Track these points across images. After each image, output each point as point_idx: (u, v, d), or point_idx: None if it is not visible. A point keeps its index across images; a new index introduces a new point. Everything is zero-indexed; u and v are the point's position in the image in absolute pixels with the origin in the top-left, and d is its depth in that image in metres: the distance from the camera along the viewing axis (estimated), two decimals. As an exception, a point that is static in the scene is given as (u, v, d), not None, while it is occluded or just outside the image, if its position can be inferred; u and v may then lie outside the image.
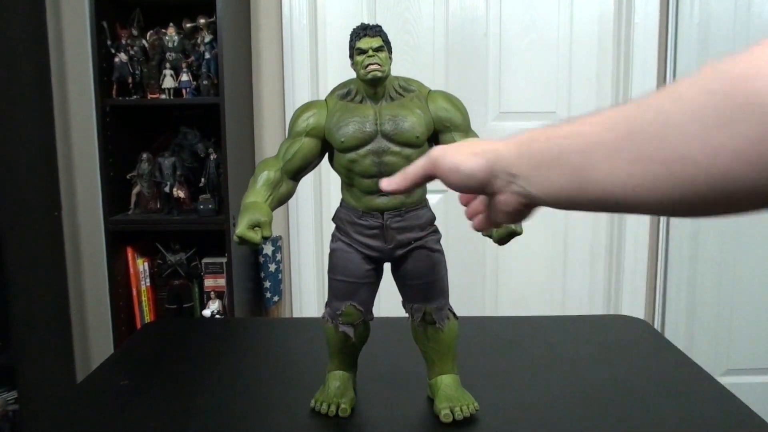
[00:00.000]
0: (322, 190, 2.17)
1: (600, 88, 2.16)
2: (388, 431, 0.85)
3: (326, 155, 0.85)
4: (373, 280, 0.86)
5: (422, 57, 2.11)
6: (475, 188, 0.58)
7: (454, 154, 0.59)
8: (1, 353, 1.91)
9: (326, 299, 0.89)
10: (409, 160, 0.78)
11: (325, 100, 0.84)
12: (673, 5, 2.06)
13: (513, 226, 0.78)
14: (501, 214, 0.58)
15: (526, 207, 0.56)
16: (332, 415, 0.85)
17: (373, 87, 0.80)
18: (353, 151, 0.80)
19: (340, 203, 0.86)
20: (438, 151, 0.61)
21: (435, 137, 0.83)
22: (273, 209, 0.79)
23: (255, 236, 0.74)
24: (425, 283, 0.84)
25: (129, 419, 0.87)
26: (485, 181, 0.56)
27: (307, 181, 2.13)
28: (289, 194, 0.84)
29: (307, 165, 0.83)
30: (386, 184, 0.67)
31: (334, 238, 0.86)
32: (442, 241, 0.87)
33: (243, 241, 0.74)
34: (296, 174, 0.83)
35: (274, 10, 2.10)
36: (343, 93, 0.82)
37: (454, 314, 0.88)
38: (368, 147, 0.79)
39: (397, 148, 0.79)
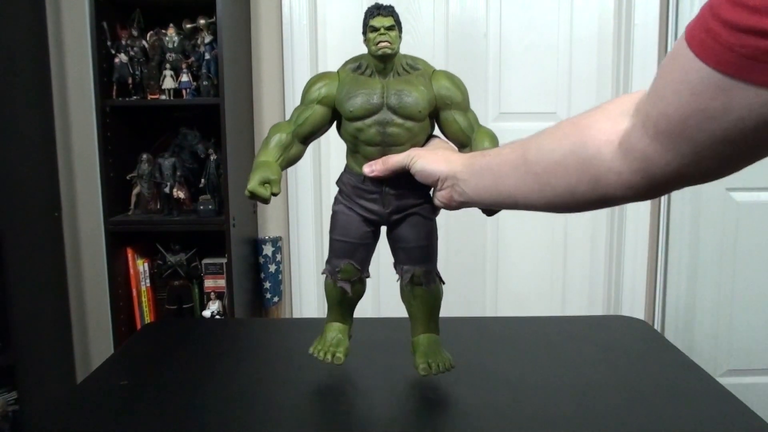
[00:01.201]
0: (322, 192, 2.17)
1: (600, 89, 2.16)
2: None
3: (335, 123, 0.90)
4: (370, 241, 0.92)
5: (422, 57, 2.10)
6: (431, 183, 0.82)
7: (427, 158, 0.82)
8: (1, 354, 1.91)
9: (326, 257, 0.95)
10: (410, 131, 0.85)
11: (338, 71, 0.89)
12: (673, 6, 2.06)
13: None
14: (436, 201, 0.84)
15: (459, 204, 0.81)
16: (328, 362, 0.93)
17: (382, 62, 0.85)
18: (360, 121, 0.85)
19: (344, 168, 0.92)
20: (415, 152, 0.83)
21: (437, 113, 0.88)
22: (283, 169, 0.86)
23: (265, 192, 0.81)
24: (416, 247, 0.90)
25: (129, 420, 0.87)
26: (440, 180, 0.80)
27: (307, 183, 2.13)
28: (299, 156, 0.89)
29: (317, 131, 0.89)
30: (369, 170, 0.85)
31: (336, 201, 0.92)
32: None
33: (253, 195, 0.81)
34: (306, 138, 0.89)
35: (274, 10, 2.10)
36: (355, 66, 0.88)
37: (440, 278, 0.94)
38: (374, 118, 0.84)
39: (400, 120, 0.84)
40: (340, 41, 2.12)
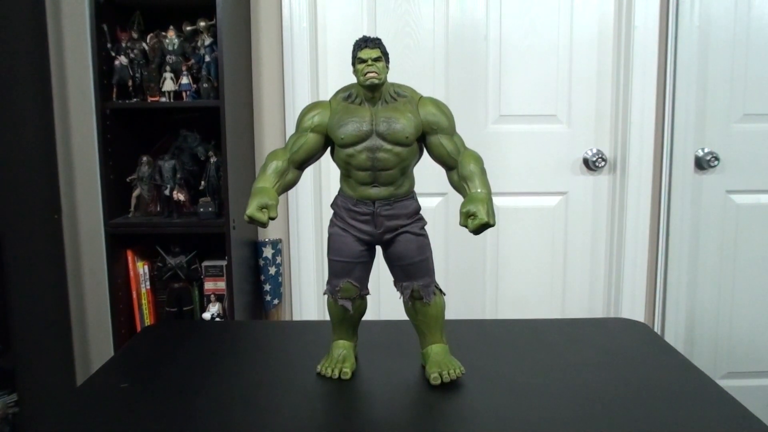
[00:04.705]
0: (322, 194, 2.17)
1: (600, 91, 2.16)
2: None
3: (328, 149, 0.95)
4: (366, 260, 0.97)
5: (422, 59, 2.11)
6: None
7: None
8: (2, 356, 1.91)
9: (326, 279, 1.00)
10: (399, 156, 0.91)
11: (329, 101, 0.94)
12: (673, 8, 2.06)
13: (486, 218, 0.86)
14: None
15: None
16: (335, 378, 0.97)
17: (370, 92, 0.91)
18: (351, 147, 0.90)
19: (338, 192, 0.97)
20: None
21: (423, 137, 0.93)
22: (279, 194, 0.90)
23: (262, 217, 0.86)
24: (411, 263, 0.95)
25: (129, 422, 0.87)
26: None
27: (306, 186, 2.14)
28: (295, 181, 0.95)
29: (311, 157, 0.94)
30: None
31: (332, 223, 0.97)
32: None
33: (252, 220, 0.86)
34: (301, 164, 0.94)
35: (275, 12, 2.10)
36: (345, 95, 0.93)
37: (440, 290, 0.98)
38: (364, 144, 0.90)
39: (389, 146, 0.90)
40: (340, 44, 2.12)
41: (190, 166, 1.97)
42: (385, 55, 0.90)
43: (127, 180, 1.96)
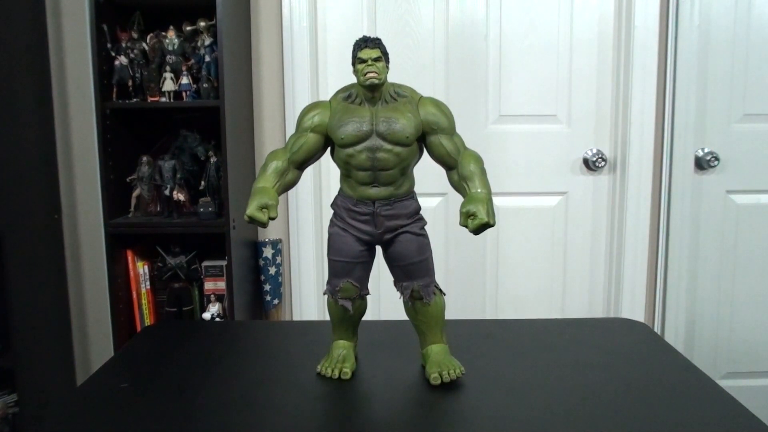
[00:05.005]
0: (322, 194, 2.17)
1: (600, 91, 2.16)
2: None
3: (328, 149, 0.96)
4: (366, 260, 0.97)
5: (422, 60, 2.11)
6: None
7: None
8: (2, 356, 1.91)
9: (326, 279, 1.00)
10: (399, 156, 0.91)
11: (329, 101, 0.95)
12: (673, 8, 2.06)
13: (486, 218, 0.85)
14: None
15: None
16: (335, 378, 0.97)
17: (370, 92, 0.91)
18: (351, 147, 0.90)
19: (339, 192, 0.97)
20: None
21: (423, 137, 0.93)
22: (279, 194, 0.91)
23: (263, 217, 0.86)
24: (411, 263, 0.95)
25: (129, 422, 0.87)
26: None
27: (306, 186, 2.14)
28: (295, 181, 0.95)
29: (311, 157, 0.95)
30: None
31: (332, 223, 0.97)
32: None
33: (252, 220, 0.86)
34: (301, 164, 0.94)
35: (275, 12, 2.10)
36: (345, 96, 0.93)
37: (440, 290, 0.99)
38: (364, 144, 0.90)
39: (389, 146, 0.90)
40: (340, 44, 2.12)
41: (190, 166, 1.97)
42: (385, 55, 0.90)
43: (127, 180, 1.96)
